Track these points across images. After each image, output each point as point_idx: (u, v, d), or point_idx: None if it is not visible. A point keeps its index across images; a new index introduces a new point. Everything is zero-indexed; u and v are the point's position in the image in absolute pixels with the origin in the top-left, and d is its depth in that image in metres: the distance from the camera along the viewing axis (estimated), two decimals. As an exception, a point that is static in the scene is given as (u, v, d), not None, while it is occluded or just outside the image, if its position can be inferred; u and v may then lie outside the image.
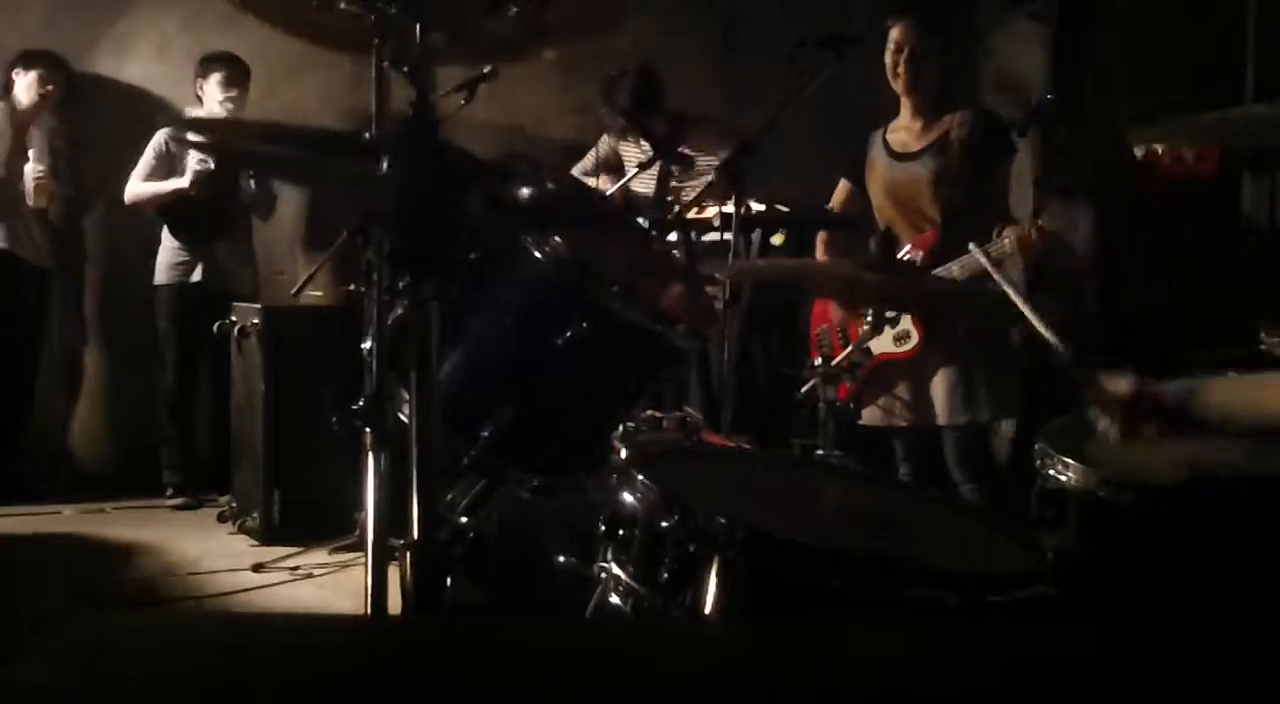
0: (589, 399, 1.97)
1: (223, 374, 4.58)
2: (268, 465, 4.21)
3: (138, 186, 4.76)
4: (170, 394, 4.85)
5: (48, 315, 4.99)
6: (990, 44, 5.13)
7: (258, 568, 3.86)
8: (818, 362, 2.69)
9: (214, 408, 4.79)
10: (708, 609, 1.51)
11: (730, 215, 3.13)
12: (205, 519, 4.55)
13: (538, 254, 1.85)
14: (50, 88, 4.81)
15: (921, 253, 3.33)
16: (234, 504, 4.43)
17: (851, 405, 3.31)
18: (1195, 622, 1.56)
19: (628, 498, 1.68)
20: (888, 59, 3.39)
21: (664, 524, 1.57)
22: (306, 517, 4.11)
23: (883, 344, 3.36)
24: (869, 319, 2.60)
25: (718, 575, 1.51)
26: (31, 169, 4.75)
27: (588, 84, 4.87)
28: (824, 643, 0.93)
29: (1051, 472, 1.78)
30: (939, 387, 3.29)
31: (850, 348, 3.08)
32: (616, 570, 1.67)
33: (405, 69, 1.50)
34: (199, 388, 4.89)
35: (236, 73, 4.76)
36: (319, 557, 3.94)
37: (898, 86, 3.41)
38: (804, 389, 2.76)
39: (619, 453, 1.85)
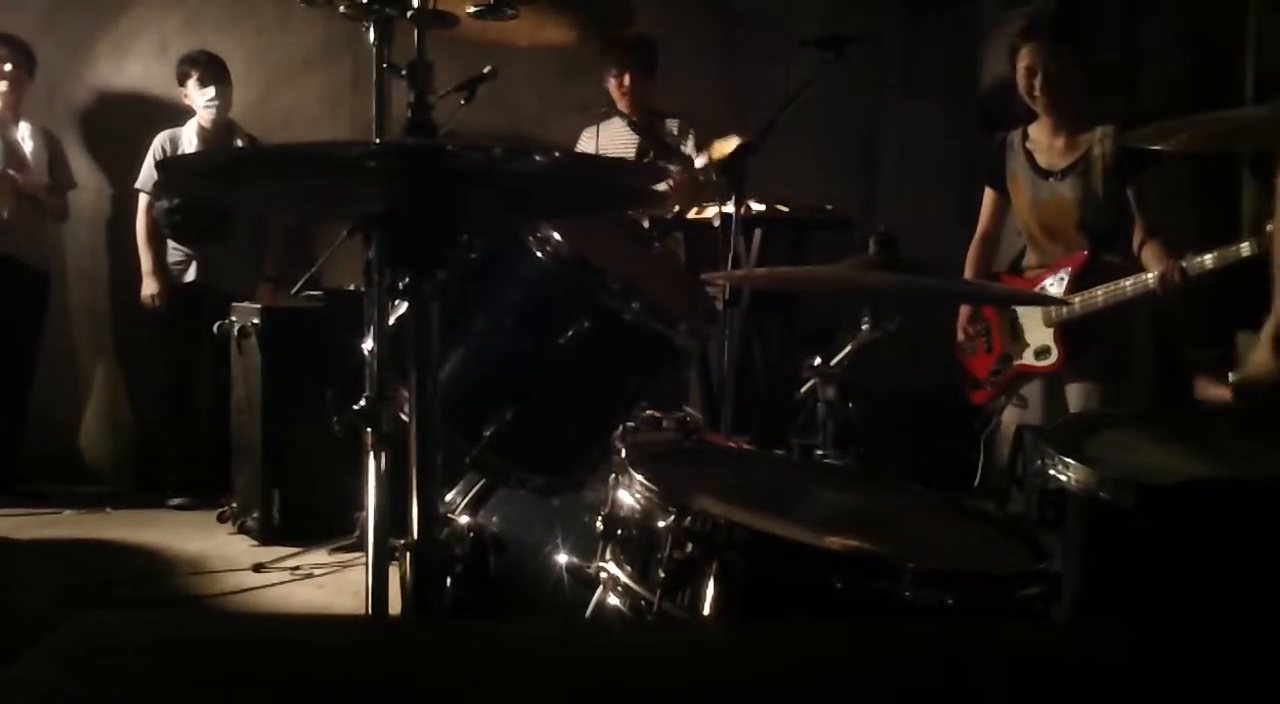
0: (589, 399, 1.97)
1: (223, 374, 4.58)
2: (268, 465, 4.21)
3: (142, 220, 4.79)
4: (170, 394, 4.85)
5: (45, 317, 4.99)
6: (990, 43, 5.13)
7: (258, 568, 3.86)
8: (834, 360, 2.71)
9: (214, 408, 4.79)
10: (706, 609, 1.51)
11: (730, 215, 3.13)
12: (205, 519, 4.55)
13: (539, 253, 1.85)
14: (9, 67, 4.70)
15: (1070, 270, 3.32)
16: (234, 504, 4.43)
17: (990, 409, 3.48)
18: (1195, 622, 1.56)
19: (627, 498, 1.68)
20: (1020, 81, 3.33)
21: (663, 524, 1.57)
22: (306, 517, 4.11)
23: (1024, 356, 3.41)
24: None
25: (717, 576, 1.51)
26: None
27: (588, 84, 4.86)
28: (823, 643, 0.93)
29: (1051, 472, 1.78)
30: (1072, 399, 3.33)
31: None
32: (615, 570, 1.67)
33: (404, 71, 1.49)
34: (199, 388, 4.89)
35: (211, 70, 4.72)
36: (319, 557, 3.95)
37: (1035, 107, 3.36)
38: (804, 389, 2.76)
39: (619, 453, 1.85)
